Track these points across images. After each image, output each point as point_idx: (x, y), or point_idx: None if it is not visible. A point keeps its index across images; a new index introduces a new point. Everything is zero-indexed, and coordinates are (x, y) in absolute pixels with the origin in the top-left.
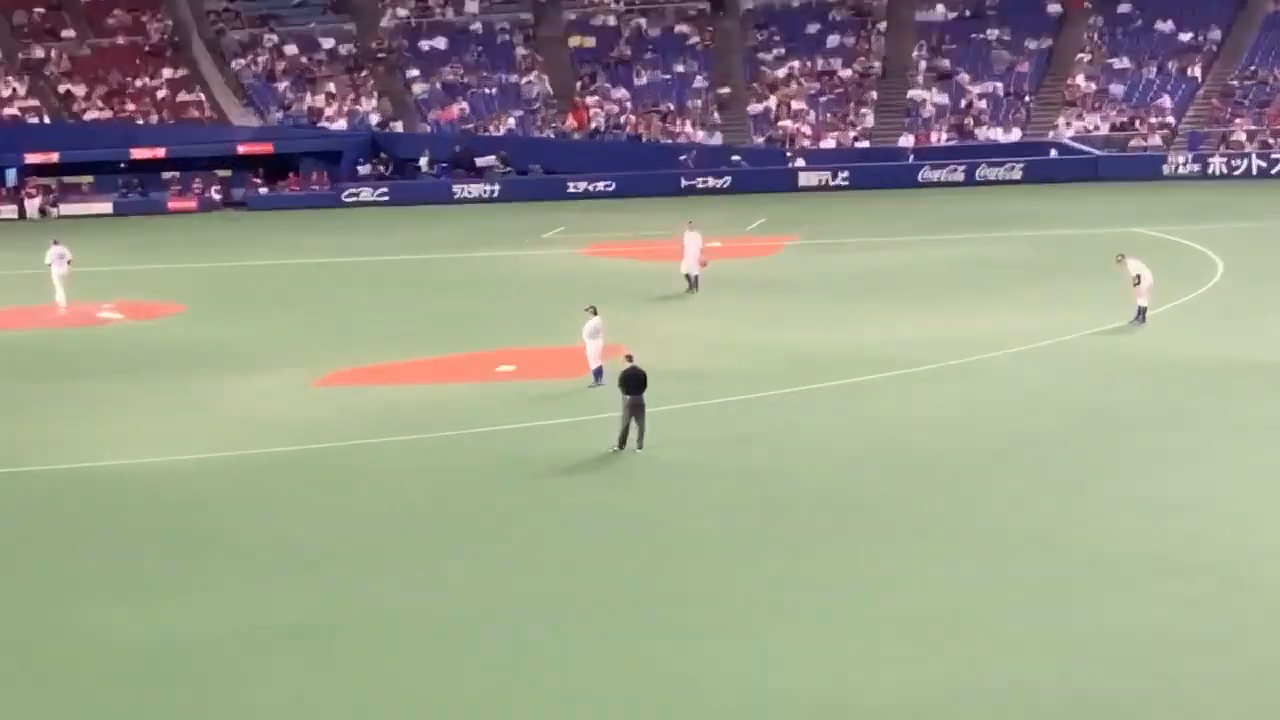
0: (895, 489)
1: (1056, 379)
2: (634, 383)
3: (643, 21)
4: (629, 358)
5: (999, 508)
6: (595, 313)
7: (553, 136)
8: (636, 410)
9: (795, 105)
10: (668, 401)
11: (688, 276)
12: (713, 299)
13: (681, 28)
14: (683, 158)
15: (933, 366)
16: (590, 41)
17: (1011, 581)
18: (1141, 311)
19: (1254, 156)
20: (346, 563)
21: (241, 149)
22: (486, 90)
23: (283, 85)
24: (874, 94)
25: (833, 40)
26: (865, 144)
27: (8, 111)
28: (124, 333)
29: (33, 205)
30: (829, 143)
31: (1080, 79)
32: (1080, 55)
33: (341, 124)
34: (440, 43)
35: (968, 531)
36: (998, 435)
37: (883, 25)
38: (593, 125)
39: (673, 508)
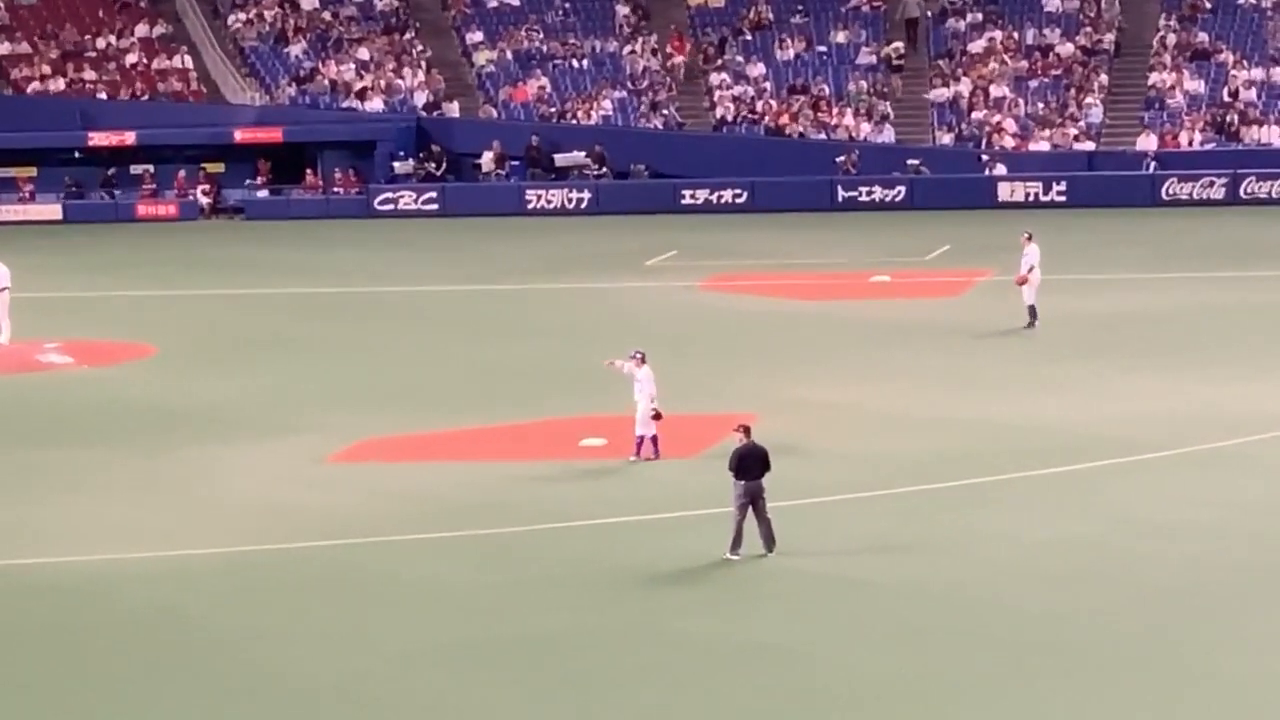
0: (1124, 621)
1: None
2: (752, 464)
3: None
4: (744, 430)
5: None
6: (644, 361)
7: (660, 127)
8: (755, 501)
9: (996, 92)
10: (810, 493)
11: (1031, 309)
12: (877, 354)
13: None
14: (840, 159)
15: (1176, 452)
16: None
17: None
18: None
19: None
20: (378, 714)
21: (240, 136)
22: (575, 63)
23: (297, 50)
24: (1104, 78)
25: (1050, 3)
26: (1090, 146)
27: None
28: (74, 383)
29: None
30: (1041, 144)
31: None
32: None
33: (377, 105)
34: None
35: (1232, 686)
36: (1273, 549)
37: None
38: (718, 113)
39: (819, 638)
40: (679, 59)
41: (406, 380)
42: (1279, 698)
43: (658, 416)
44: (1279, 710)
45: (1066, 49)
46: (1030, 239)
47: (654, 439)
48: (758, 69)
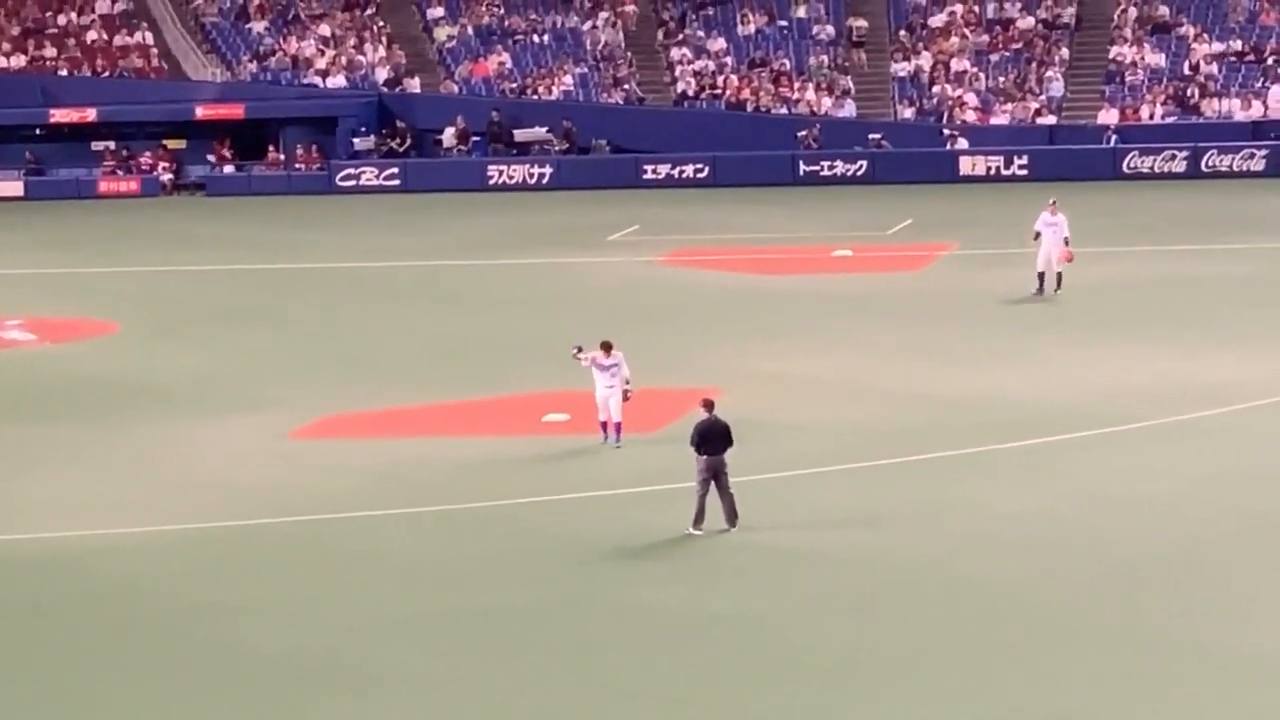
0: (1089, 593)
1: None
2: (714, 438)
3: None
4: (707, 404)
5: (1244, 619)
6: (611, 348)
7: (621, 102)
8: (718, 476)
9: (957, 66)
10: (772, 467)
11: (1041, 276)
12: (839, 328)
13: None
14: (802, 134)
15: (1139, 425)
16: None
17: None
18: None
19: None
20: (341, 684)
21: (201, 112)
22: (536, 38)
23: (258, 27)
24: (1065, 52)
25: None
26: (1051, 120)
27: None
28: (37, 360)
29: None
30: (1002, 118)
31: None
32: None
33: (339, 81)
34: None
35: (1196, 653)
36: (1234, 519)
37: None
38: (679, 88)
39: (782, 611)
40: (630, 8)
41: (369, 356)
42: (1238, 667)
43: (627, 398)
44: (1238, 679)
45: (1027, 22)
46: (1055, 207)
47: (618, 425)
48: (719, 43)
